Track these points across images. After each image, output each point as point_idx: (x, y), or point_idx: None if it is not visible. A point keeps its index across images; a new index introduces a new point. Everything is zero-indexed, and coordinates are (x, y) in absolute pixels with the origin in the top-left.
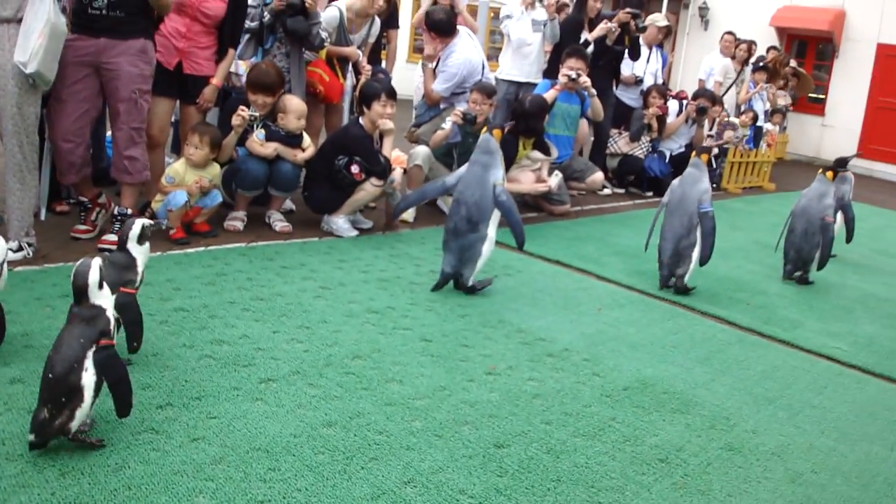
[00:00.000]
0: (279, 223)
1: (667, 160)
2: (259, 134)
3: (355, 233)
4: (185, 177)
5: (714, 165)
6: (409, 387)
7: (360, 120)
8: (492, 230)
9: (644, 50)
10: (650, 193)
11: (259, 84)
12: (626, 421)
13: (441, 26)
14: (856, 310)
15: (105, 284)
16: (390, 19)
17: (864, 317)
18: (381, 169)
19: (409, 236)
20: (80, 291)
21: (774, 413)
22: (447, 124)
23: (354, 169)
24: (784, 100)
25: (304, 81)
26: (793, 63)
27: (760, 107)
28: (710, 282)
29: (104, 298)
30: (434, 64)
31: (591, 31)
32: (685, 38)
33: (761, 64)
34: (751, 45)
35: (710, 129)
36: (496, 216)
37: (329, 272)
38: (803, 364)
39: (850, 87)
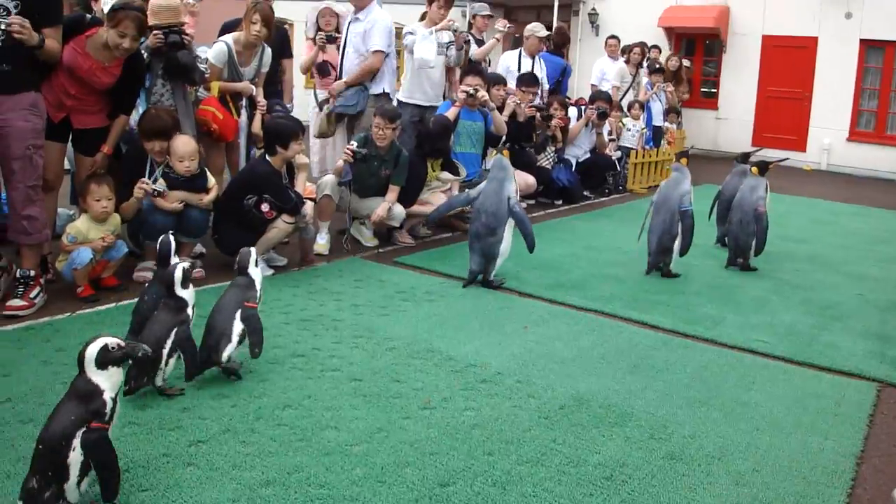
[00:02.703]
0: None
1: (573, 168)
2: (160, 185)
3: (270, 272)
4: (88, 234)
5: (619, 168)
6: (346, 432)
7: (267, 156)
8: (507, 233)
9: (527, 60)
10: (560, 202)
11: (153, 131)
12: (566, 441)
13: None
14: (772, 300)
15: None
16: (283, 49)
17: (780, 306)
18: (292, 205)
19: (325, 270)
20: (81, 363)
21: (709, 415)
22: (353, 144)
23: (265, 207)
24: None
25: (192, 117)
26: (684, 63)
27: (659, 107)
28: (629, 286)
29: (104, 378)
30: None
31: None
32: (578, 44)
33: (657, 66)
34: (643, 47)
35: (611, 133)
36: (510, 223)
37: None
38: (730, 361)
39: (739, 80)
